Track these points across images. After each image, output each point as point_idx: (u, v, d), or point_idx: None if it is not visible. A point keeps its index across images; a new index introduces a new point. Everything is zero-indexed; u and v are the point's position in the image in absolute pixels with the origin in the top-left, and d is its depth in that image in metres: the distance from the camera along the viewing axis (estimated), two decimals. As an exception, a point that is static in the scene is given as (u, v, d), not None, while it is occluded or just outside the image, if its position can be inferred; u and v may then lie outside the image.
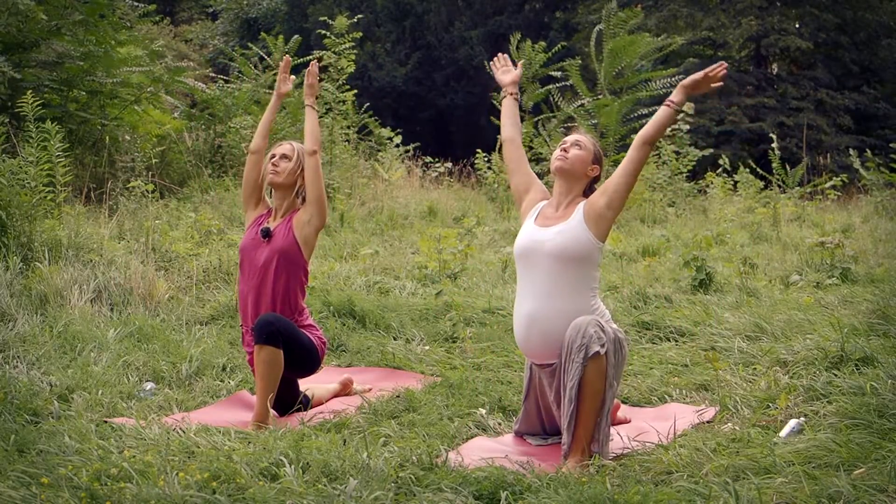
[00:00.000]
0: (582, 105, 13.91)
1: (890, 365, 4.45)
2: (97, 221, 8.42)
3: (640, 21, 14.39)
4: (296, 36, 14.07)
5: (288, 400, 4.82)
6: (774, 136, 12.67)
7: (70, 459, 3.64)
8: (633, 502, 3.18)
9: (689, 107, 13.71)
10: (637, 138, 4.17)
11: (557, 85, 14.30)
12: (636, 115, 14.61)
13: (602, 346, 3.90)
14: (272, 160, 4.87)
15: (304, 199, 4.85)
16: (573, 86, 14.45)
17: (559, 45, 14.61)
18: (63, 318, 5.93)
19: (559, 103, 14.45)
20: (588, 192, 4.29)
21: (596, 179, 4.34)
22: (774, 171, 13.58)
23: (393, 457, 3.67)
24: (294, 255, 4.76)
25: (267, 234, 4.80)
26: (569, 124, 14.16)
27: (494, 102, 14.64)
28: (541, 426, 4.30)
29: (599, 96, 13.77)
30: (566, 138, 4.35)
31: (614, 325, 4.11)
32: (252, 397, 4.90)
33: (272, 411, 4.72)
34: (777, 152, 13.16)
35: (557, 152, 4.29)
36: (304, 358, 4.74)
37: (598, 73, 14.14)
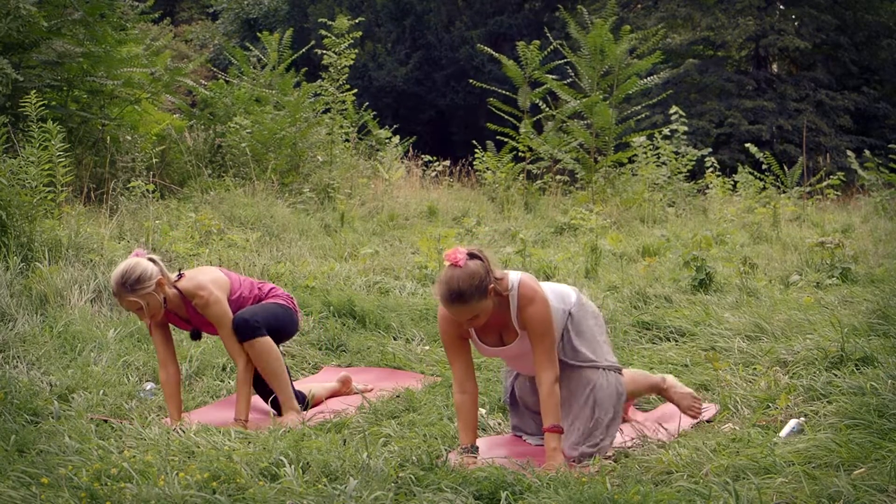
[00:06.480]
0: (573, 106, 13.86)
1: (890, 365, 4.45)
2: (97, 221, 8.42)
3: (614, 19, 14.31)
4: (289, 30, 14.02)
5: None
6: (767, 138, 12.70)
7: (70, 459, 3.64)
8: (633, 502, 3.18)
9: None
10: (551, 380, 3.94)
11: (555, 81, 14.26)
12: (630, 112, 14.59)
13: (606, 439, 4.08)
14: (140, 315, 4.61)
15: (165, 301, 4.62)
16: (572, 82, 14.43)
17: (555, 42, 14.53)
18: (63, 318, 5.93)
19: (554, 106, 14.42)
20: (504, 298, 4.01)
21: (499, 282, 3.99)
22: (773, 171, 13.61)
23: (393, 457, 3.67)
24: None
25: (196, 336, 4.90)
26: (565, 124, 14.13)
27: (492, 99, 14.67)
28: (535, 426, 4.31)
29: (588, 97, 13.73)
30: (459, 320, 3.96)
31: (583, 300, 4.25)
32: (253, 397, 4.91)
33: (272, 410, 4.73)
34: (761, 156, 13.18)
35: (475, 338, 4.11)
36: (282, 322, 4.85)
37: (582, 74, 14.10)
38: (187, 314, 4.73)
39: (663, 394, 4.57)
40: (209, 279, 4.72)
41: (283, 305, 4.92)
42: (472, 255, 3.90)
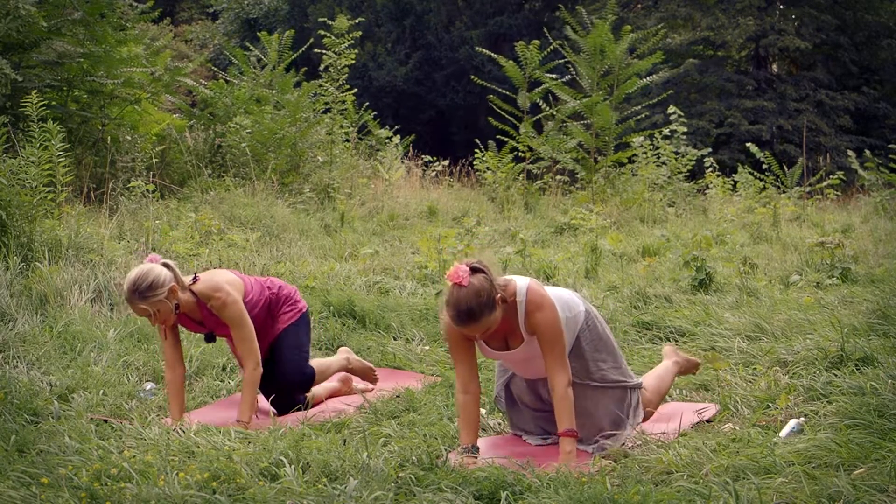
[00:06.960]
0: (573, 107, 13.85)
1: (890, 365, 4.45)
2: (97, 221, 8.42)
3: (614, 19, 14.31)
4: (289, 31, 14.02)
5: (287, 400, 4.84)
6: (767, 138, 12.71)
7: (70, 459, 3.64)
8: (633, 502, 3.18)
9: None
10: (564, 384, 3.94)
11: (554, 81, 14.25)
12: (630, 112, 14.58)
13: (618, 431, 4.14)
14: (151, 321, 4.56)
15: (177, 307, 4.56)
16: (573, 80, 14.43)
17: (555, 42, 14.52)
18: (63, 318, 5.93)
19: (554, 105, 14.42)
20: (511, 304, 4.00)
21: (505, 289, 3.97)
22: (773, 171, 13.61)
23: (393, 457, 3.67)
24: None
25: (211, 339, 4.88)
26: (565, 124, 14.13)
27: (493, 97, 14.67)
28: (535, 425, 4.31)
29: (588, 97, 13.72)
30: (470, 335, 4.00)
31: (592, 309, 4.27)
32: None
33: (272, 410, 4.74)
34: (761, 156, 13.19)
35: (480, 342, 4.09)
36: (305, 339, 4.99)
37: (582, 74, 14.09)
38: (202, 317, 4.71)
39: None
40: (224, 280, 4.71)
41: (295, 322, 4.94)
42: (473, 270, 3.89)
